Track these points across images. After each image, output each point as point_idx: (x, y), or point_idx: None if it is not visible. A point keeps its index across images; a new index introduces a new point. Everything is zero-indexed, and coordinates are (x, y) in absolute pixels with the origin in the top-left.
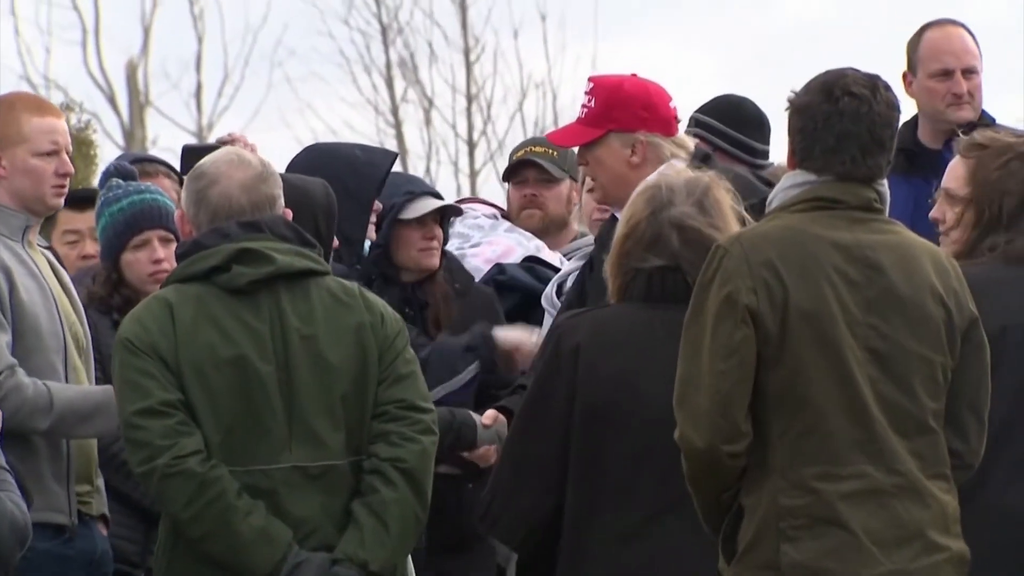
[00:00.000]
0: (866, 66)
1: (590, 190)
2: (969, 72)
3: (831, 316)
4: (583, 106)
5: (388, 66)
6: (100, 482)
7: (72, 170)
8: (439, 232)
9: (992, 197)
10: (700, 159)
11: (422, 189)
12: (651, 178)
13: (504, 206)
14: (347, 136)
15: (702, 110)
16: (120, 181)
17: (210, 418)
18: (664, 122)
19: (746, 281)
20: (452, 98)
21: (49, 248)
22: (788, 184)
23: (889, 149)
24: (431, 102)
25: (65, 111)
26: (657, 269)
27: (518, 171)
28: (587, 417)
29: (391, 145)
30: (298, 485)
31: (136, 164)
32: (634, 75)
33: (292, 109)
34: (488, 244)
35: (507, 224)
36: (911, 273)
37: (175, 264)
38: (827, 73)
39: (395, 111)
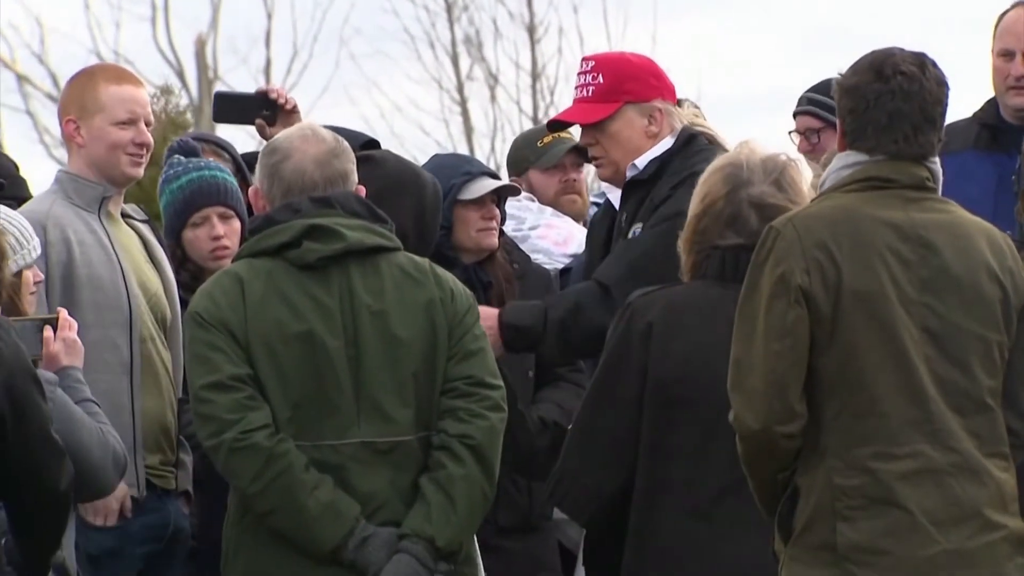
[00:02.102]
0: (927, 48)
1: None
2: None
3: (885, 296)
4: (586, 85)
5: (453, 43)
6: (187, 458)
7: (150, 141)
8: (497, 212)
9: None
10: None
11: (479, 170)
12: (726, 156)
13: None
14: (412, 113)
15: (813, 89)
16: (181, 158)
17: (278, 393)
18: (672, 91)
19: (799, 262)
20: (516, 75)
21: (147, 221)
22: (840, 165)
23: (940, 127)
24: (496, 79)
25: (164, 93)
26: (732, 248)
27: (556, 156)
28: (658, 395)
29: (456, 123)
30: (366, 460)
31: None
32: (624, 52)
33: (358, 86)
34: (548, 227)
35: (550, 210)
36: (965, 252)
37: (236, 241)
38: (874, 53)
39: (460, 88)
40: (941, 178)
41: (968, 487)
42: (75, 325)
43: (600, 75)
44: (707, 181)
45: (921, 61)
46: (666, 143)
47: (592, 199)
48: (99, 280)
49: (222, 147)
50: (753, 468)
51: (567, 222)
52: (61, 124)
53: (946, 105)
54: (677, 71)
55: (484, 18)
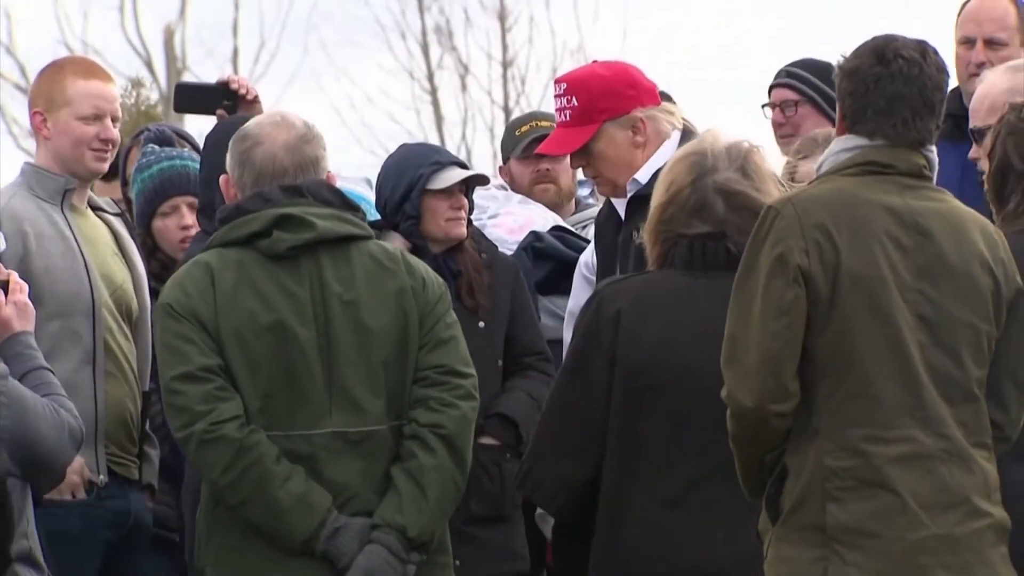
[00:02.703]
0: (922, 31)
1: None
2: (993, 43)
3: (882, 280)
4: (563, 109)
5: (424, 32)
6: (152, 451)
7: (115, 137)
8: (465, 202)
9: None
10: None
11: (448, 159)
12: (690, 145)
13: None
14: (382, 103)
15: (794, 64)
16: (155, 147)
17: (249, 384)
18: (651, 93)
19: (798, 242)
20: (488, 64)
21: (120, 215)
22: (839, 148)
23: (938, 113)
24: (467, 68)
25: (136, 86)
26: (699, 236)
27: (530, 146)
28: (627, 383)
29: (427, 112)
30: (338, 451)
31: None
32: (595, 61)
33: (328, 75)
34: (507, 215)
35: (519, 196)
36: (960, 241)
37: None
38: (875, 38)
39: (431, 77)
40: (937, 166)
41: (957, 474)
42: (26, 288)
43: (574, 97)
44: (672, 170)
45: (922, 48)
46: (665, 151)
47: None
48: (58, 271)
49: (183, 138)
50: (742, 447)
51: (532, 209)
52: (30, 115)
53: (946, 92)
54: (647, 61)
55: (455, 7)
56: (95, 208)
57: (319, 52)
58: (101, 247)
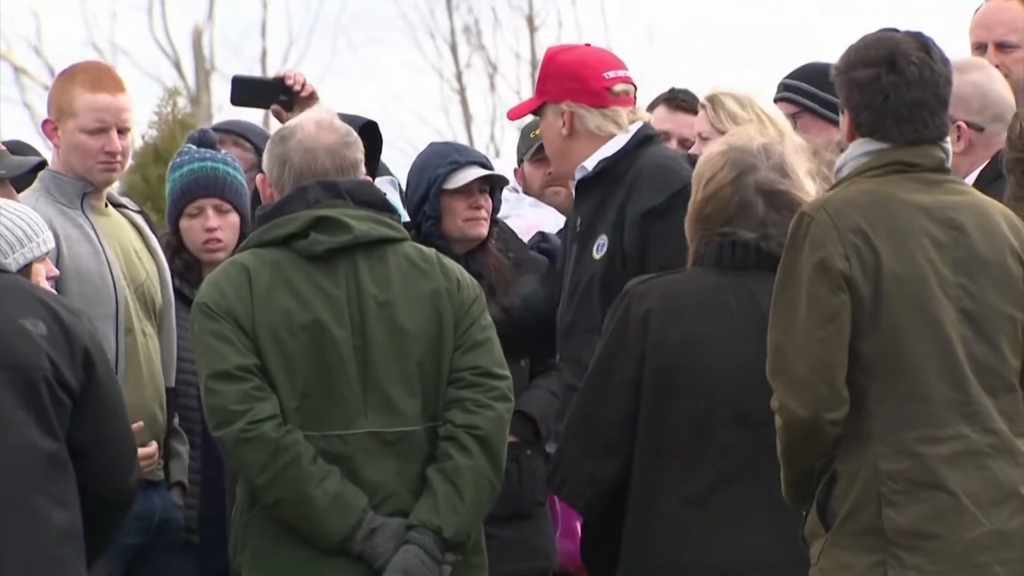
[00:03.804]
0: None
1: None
2: (1004, 46)
3: (923, 278)
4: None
5: (452, 32)
6: (180, 447)
7: (119, 148)
8: (485, 201)
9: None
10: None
11: (467, 159)
12: (727, 140)
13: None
14: (410, 103)
15: (790, 76)
16: (192, 147)
17: (286, 383)
18: (592, 93)
19: (837, 247)
20: (516, 64)
21: (141, 212)
22: (859, 152)
23: (947, 104)
24: (495, 68)
25: (171, 95)
26: (729, 235)
27: (541, 148)
28: (656, 381)
29: (456, 112)
30: (374, 451)
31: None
32: (587, 45)
33: (356, 74)
34: (517, 217)
35: (530, 199)
36: (990, 233)
37: (231, 234)
38: (877, 41)
39: (459, 77)
40: (951, 157)
41: (1005, 468)
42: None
43: (539, 69)
44: (711, 165)
45: (925, 44)
46: (615, 143)
47: None
48: (87, 273)
49: (244, 137)
50: (793, 456)
51: (542, 212)
52: (43, 122)
53: (951, 81)
54: (677, 59)
55: (483, 6)
56: (117, 205)
57: (348, 52)
58: (125, 245)
